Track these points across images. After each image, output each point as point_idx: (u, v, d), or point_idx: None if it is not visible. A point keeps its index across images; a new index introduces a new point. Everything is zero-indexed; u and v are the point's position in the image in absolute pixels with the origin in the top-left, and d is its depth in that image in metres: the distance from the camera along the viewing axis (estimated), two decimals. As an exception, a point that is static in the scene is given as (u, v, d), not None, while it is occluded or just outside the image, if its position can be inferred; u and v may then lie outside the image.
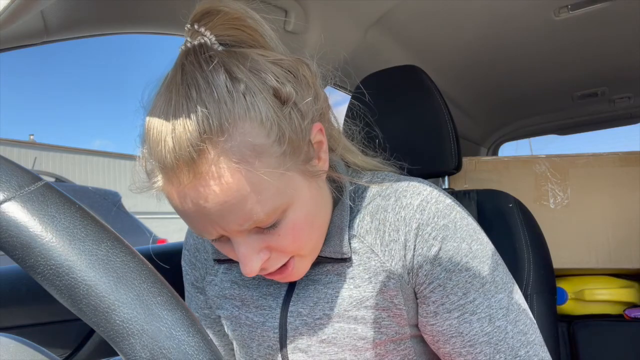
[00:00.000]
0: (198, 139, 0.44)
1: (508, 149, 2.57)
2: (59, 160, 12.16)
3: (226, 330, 0.69)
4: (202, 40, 0.49)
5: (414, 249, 0.55)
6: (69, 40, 0.80)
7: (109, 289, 0.27)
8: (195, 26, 0.49)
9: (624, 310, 1.39)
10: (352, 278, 0.57)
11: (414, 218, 0.56)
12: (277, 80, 0.49)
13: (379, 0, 1.18)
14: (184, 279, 0.76)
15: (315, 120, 0.54)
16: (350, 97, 1.00)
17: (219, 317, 0.70)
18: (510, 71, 1.66)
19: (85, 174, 12.51)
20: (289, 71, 0.51)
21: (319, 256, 0.59)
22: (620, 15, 1.28)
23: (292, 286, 0.61)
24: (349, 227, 0.59)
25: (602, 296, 1.39)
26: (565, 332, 1.36)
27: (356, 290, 0.57)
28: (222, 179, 0.45)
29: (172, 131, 0.45)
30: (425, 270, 0.55)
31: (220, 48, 0.49)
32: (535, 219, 1.01)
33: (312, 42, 1.20)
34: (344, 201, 0.59)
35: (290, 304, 0.60)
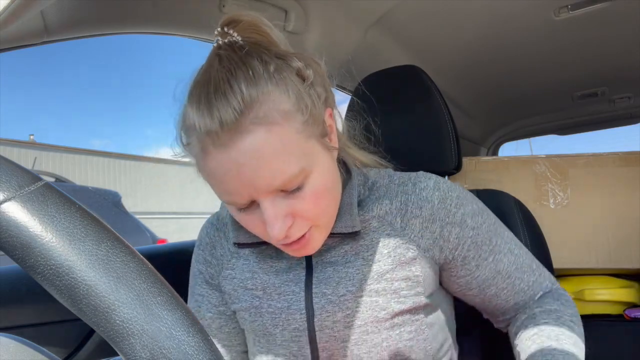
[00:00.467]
0: (237, 105, 0.52)
1: (508, 149, 2.57)
2: (59, 160, 12.16)
3: (242, 325, 0.72)
4: (232, 39, 0.58)
5: (440, 219, 0.66)
6: (69, 40, 0.80)
7: (109, 289, 0.27)
8: (225, 29, 0.59)
9: (624, 310, 1.39)
10: (371, 255, 0.65)
11: (434, 195, 0.67)
12: (298, 63, 0.59)
13: (379, 0, 1.18)
14: (195, 281, 0.77)
15: (326, 106, 0.63)
16: (350, 96, 1.00)
17: (234, 313, 0.74)
18: (510, 71, 1.66)
19: (85, 174, 12.51)
20: (305, 61, 0.61)
21: (332, 233, 0.65)
22: (620, 15, 1.28)
23: (309, 271, 0.67)
24: (365, 210, 0.68)
25: (602, 296, 1.39)
26: (565, 332, 1.36)
27: (376, 265, 0.65)
28: (257, 139, 0.53)
29: (213, 100, 0.53)
30: (456, 233, 0.67)
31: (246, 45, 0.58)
32: (535, 219, 1.01)
33: (312, 42, 1.20)
34: (353, 182, 0.68)
35: (313, 286, 0.66)
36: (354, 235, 0.66)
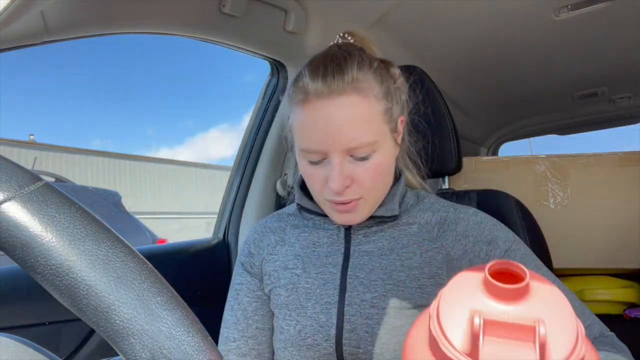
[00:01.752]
0: (346, 76, 0.69)
1: (508, 149, 2.57)
2: (59, 160, 12.16)
3: (275, 303, 0.80)
4: (349, 41, 0.79)
5: (473, 236, 0.74)
6: (69, 40, 0.80)
7: (109, 289, 0.27)
8: (345, 35, 0.80)
9: (624, 310, 1.39)
10: (404, 252, 0.75)
11: (470, 217, 0.76)
12: (395, 70, 0.78)
13: (379, 0, 1.18)
14: (236, 272, 0.87)
15: (402, 114, 0.77)
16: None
17: (269, 298, 0.83)
18: (510, 71, 1.66)
19: (85, 174, 12.51)
20: (399, 71, 0.80)
21: (374, 216, 0.76)
22: (620, 15, 1.28)
23: (347, 258, 0.77)
24: (411, 216, 0.78)
25: (602, 296, 1.39)
26: (565, 332, 1.36)
27: (407, 261, 0.74)
28: (351, 102, 0.69)
29: (329, 68, 0.70)
30: (486, 251, 0.73)
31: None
32: (535, 219, 1.01)
33: (312, 42, 1.20)
34: (401, 181, 0.80)
35: (349, 269, 0.76)
36: (393, 225, 0.77)
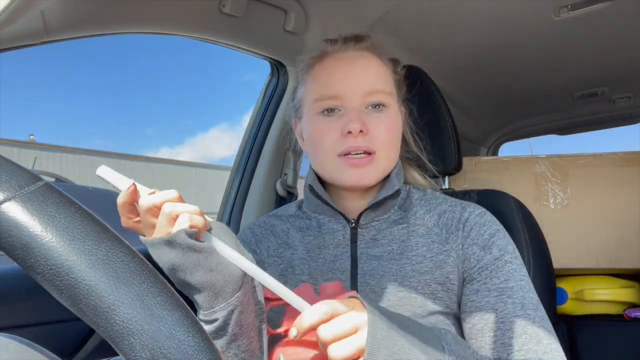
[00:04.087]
0: (363, 44, 0.79)
1: (508, 149, 2.57)
2: (59, 160, 12.16)
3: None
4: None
5: (471, 237, 0.73)
6: (69, 40, 0.80)
7: (109, 289, 0.27)
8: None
9: (624, 310, 1.39)
10: (414, 255, 0.73)
11: (475, 219, 0.75)
12: (396, 62, 0.85)
13: (379, 0, 1.18)
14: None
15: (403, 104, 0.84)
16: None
17: None
18: (510, 71, 1.66)
19: (85, 174, 12.50)
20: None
21: (378, 201, 0.76)
22: (620, 15, 1.28)
23: (354, 262, 0.75)
24: (418, 217, 0.78)
25: (602, 296, 1.39)
26: (565, 332, 1.36)
27: (418, 265, 0.72)
28: (369, 58, 0.78)
29: (343, 38, 0.80)
30: (477, 255, 0.72)
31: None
32: (535, 219, 1.01)
33: (312, 42, 1.20)
34: (398, 165, 0.81)
35: (359, 276, 0.74)
36: (401, 227, 0.77)
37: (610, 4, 1.21)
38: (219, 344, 0.57)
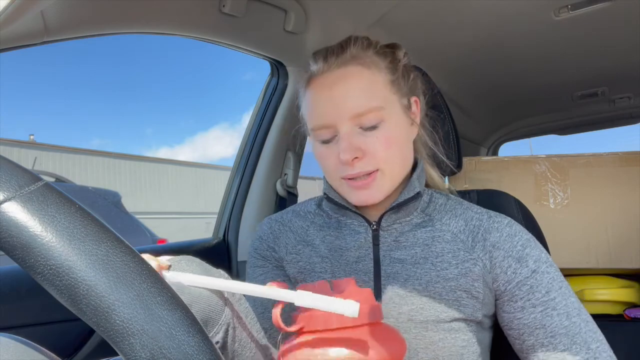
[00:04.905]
0: (346, 53, 0.73)
1: (508, 149, 2.57)
2: (59, 160, 12.16)
3: None
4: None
5: (504, 249, 0.71)
6: (69, 40, 0.80)
7: (109, 289, 0.27)
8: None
9: (624, 310, 1.39)
10: (439, 262, 0.72)
11: (504, 229, 0.73)
12: (401, 52, 0.79)
13: (379, 0, 1.18)
14: (250, 262, 0.83)
15: (414, 94, 0.78)
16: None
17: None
18: (510, 71, 1.66)
19: (85, 174, 12.50)
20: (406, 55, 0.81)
21: (398, 203, 0.74)
22: (620, 15, 1.28)
23: (377, 264, 0.74)
24: (443, 223, 0.76)
25: (602, 296, 1.39)
26: (565, 332, 1.36)
27: (443, 272, 0.71)
28: (353, 71, 0.71)
29: (326, 52, 0.74)
30: (514, 268, 0.70)
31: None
32: (535, 219, 1.01)
33: (312, 42, 1.20)
34: (419, 167, 0.78)
35: (382, 279, 0.73)
36: (425, 230, 0.75)
37: (610, 4, 1.21)
38: None
